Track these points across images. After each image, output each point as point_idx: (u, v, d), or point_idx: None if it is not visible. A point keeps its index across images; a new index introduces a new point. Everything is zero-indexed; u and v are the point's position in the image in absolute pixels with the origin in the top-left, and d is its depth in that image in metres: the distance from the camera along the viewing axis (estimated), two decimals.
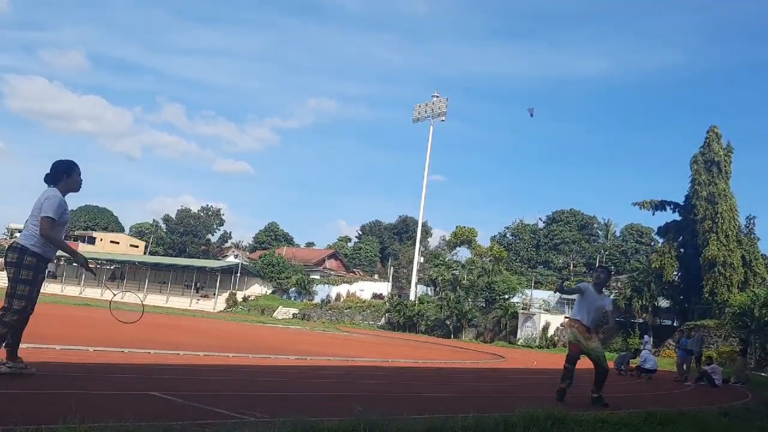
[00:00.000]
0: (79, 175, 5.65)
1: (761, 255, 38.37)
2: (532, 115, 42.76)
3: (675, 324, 36.74)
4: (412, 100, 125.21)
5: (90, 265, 6.11)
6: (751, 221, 38.67)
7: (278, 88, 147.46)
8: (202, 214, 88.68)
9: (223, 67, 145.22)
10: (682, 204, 39.19)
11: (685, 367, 18.20)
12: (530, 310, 44.17)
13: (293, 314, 52.07)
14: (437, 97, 58.25)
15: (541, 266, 77.29)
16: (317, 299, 56.81)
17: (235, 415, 4.70)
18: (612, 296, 41.26)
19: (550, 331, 39.43)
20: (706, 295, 35.21)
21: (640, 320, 37.56)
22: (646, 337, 21.45)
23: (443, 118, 57.28)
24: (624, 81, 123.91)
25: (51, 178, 5.56)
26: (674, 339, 20.61)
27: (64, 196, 5.57)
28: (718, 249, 35.13)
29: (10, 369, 5.47)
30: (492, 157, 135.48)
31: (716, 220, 35.83)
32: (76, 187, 5.67)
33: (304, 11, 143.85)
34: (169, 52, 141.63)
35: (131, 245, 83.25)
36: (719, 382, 16.00)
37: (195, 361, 9.63)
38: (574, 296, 8.52)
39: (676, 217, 39.65)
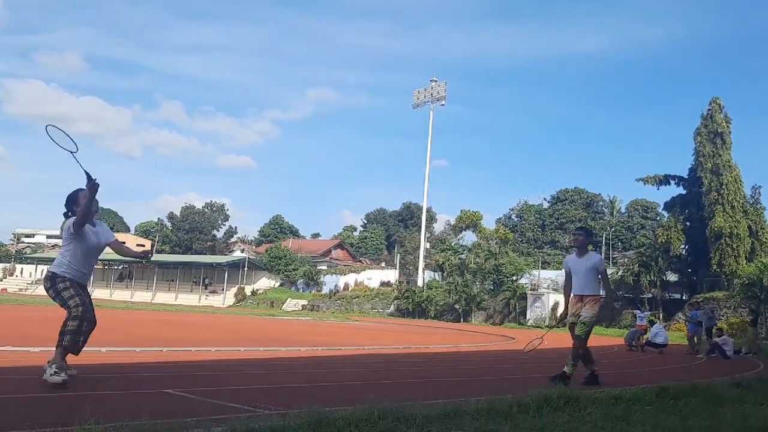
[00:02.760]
0: (84, 197, 5.57)
1: None
2: None
3: (684, 297, 36.75)
4: (411, 86, 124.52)
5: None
6: (757, 191, 38.56)
7: (276, 80, 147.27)
8: (206, 210, 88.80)
9: (219, 62, 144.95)
10: (686, 177, 39.07)
11: (696, 339, 18.20)
12: (538, 290, 44.19)
13: (302, 306, 52.25)
14: (436, 81, 58.03)
15: (548, 246, 77.22)
16: (325, 290, 56.97)
17: (250, 409, 4.72)
18: (620, 273, 41.29)
19: (559, 311, 39.39)
20: (714, 267, 35.17)
21: (649, 295, 37.55)
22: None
23: (443, 102, 57.09)
24: (623, 56, 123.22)
25: (67, 213, 5.83)
26: (684, 312, 20.61)
27: (86, 221, 5.65)
28: (724, 220, 35.04)
29: (72, 375, 5.49)
30: (493, 139, 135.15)
31: (721, 191, 35.70)
32: (88, 206, 5.54)
33: (298, 2, 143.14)
34: (165, 50, 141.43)
35: (138, 245, 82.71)
36: (731, 353, 16.00)
37: (207, 357, 9.66)
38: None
39: (681, 190, 39.58)
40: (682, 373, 10.92)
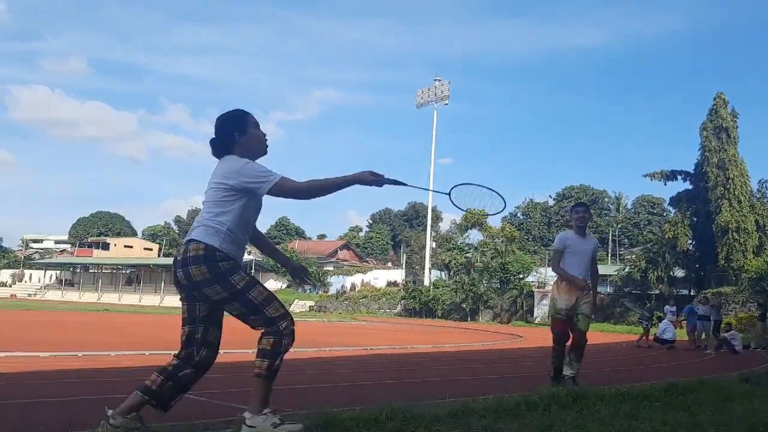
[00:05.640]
0: (257, 127, 3.54)
1: None
2: None
3: (692, 293, 36.63)
4: (414, 84, 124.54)
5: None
6: (764, 185, 38.51)
7: (281, 82, 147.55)
8: None
9: (224, 64, 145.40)
10: (692, 172, 38.95)
11: (704, 335, 18.14)
12: (545, 288, 44.12)
13: (309, 307, 52.35)
14: (439, 80, 58.02)
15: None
16: (332, 290, 57.05)
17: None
18: (627, 269, 41.20)
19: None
20: (722, 262, 35.07)
21: (657, 291, 37.45)
22: (667, 307, 21.35)
23: (446, 101, 57.12)
24: (627, 50, 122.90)
25: (220, 146, 3.42)
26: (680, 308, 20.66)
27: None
28: (731, 215, 34.93)
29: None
30: (498, 136, 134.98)
31: (728, 186, 35.60)
32: (258, 146, 3.52)
33: (299, 2, 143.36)
34: (169, 53, 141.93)
35: (145, 248, 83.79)
36: (739, 348, 15.96)
37: (217, 359, 9.69)
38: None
39: (688, 186, 39.43)
40: (691, 368, 10.90)
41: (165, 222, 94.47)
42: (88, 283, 66.67)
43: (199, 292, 3.20)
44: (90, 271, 70.38)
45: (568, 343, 6.65)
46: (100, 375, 7.32)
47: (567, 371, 6.54)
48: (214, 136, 3.43)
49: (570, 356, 6.59)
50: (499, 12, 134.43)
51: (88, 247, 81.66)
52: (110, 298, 60.20)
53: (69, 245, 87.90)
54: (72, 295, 61.88)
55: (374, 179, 3.38)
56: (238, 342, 13.60)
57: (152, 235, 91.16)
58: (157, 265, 65.40)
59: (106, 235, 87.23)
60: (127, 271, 69.34)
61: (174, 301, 57.74)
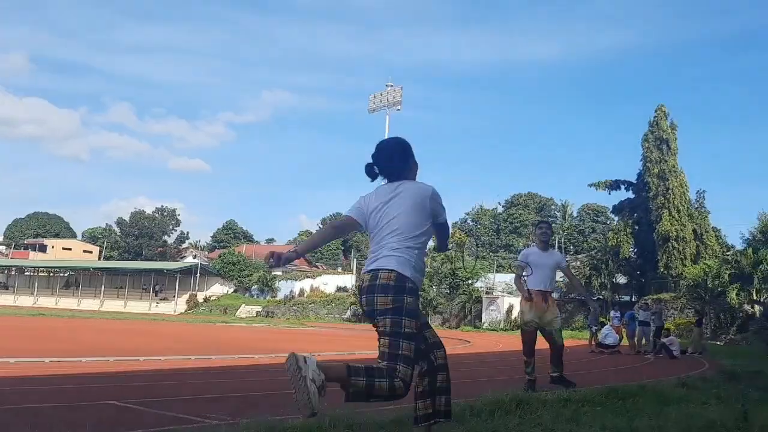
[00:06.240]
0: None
1: (712, 228, 39.71)
2: None
3: (633, 299, 37.73)
4: (368, 90, 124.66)
5: None
6: (701, 195, 40.03)
7: (230, 83, 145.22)
8: (156, 215, 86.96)
9: (171, 64, 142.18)
10: (635, 182, 40.17)
11: (644, 341, 18.65)
12: (493, 293, 44.75)
13: (257, 312, 51.63)
14: (391, 86, 58.14)
15: (503, 250, 78.31)
16: (280, 295, 56.43)
17: (198, 419, 4.61)
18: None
19: (514, 314, 40.01)
20: (662, 270, 36.26)
21: (599, 297, 38.43)
22: (612, 312, 21.91)
23: (399, 107, 57.22)
24: (575, 63, 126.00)
25: (396, 168, 3.39)
26: (622, 313, 21.22)
27: None
28: (670, 224, 36.18)
29: None
30: (449, 144, 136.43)
31: (668, 195, 36.87)
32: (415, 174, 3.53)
33: (252, 4, 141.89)
34: (114, 51, 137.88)
35: (85, 251, 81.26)
36: (677, 353, 16.47)
37: (156, 366, 9.43)
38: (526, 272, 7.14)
39: (630, 195, 40.65)
40: (631, 373, 11.18)
41: (106, 224, 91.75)
42: (24, 286, 64.19)
43: (375, 320, 3.24)
44: (26, 273, 67.72)
45: (544, 352, 7.18)
46: (30, 383, 7.00)
47: (553, 371, 7.20)
48: (388, 160, 3.39)
49: (552, 363, 7.22)
50: (454, 21, 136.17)
51: (24, 249, 78.65)
52: (47, 302, 58.08)
53: (3, 247, 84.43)
54: (6, 299, 59.43)
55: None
56: (180, 349, 13.25)
57: (92, 237, 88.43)
58: (97, 269, 63.47)
59: (43, 237, 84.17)
60: (65, 274, 67.00)
61: (114, 305, 56.18)
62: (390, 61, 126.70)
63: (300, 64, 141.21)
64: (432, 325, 3.55)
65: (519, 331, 7.38)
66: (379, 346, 3.17)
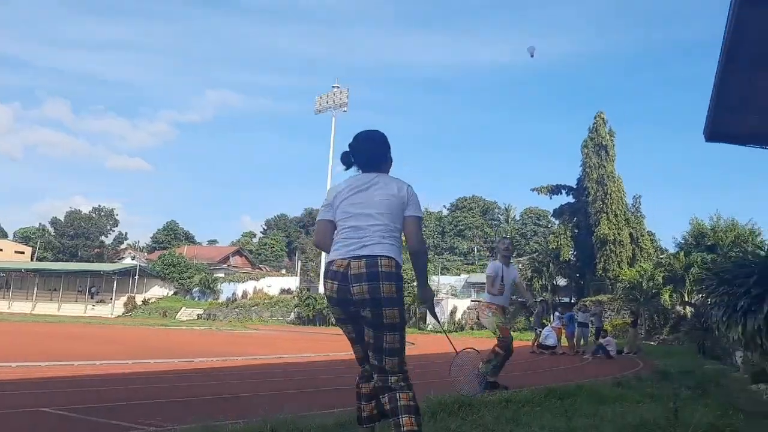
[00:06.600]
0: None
1: (647, 231, 41.20)
2: (532, 55, 41.93)
3: (573, 301, 38.77)
4: (316, 91, 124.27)
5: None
6: (637, 200, 41.49)
7: (174, 81, 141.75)
8: (93, 215, 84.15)
9: (110, 60, 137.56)
10: (575, 187, 41.27)
11: (582, 341, 19.18)
12: (438, 295, 45.16)
13: (198, 315, 50.59)
14: (338, 87, 58.09)
15: (447, 252, 79.21)
16: (222, 298, 55.47)
17: (134, 426, 4.47)
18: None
19: (458, 315, 40.56)
20: (600, 272, 37.41)
21: (540, 299, 39.31)
22: (557, 313, 22.44)
23: (345, 108, 57.22)
24: (521, 68, 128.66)
25: (375, 159, 3.41)
26: (560, 314, 21.77)
27: None
28: (608, 228, 37.35)
29: None
30: (396, 146, 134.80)
31: (606, 200, 38.06)
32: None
33: (198, 1, 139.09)
34: (50, 45, 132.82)
35: (16, 251, 77.79)
36: (614, 353, 17.02)
37: (91, 372, 9.11)
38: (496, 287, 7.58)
39: (570, 199, 41.72)
40: (570, 373, 11.46)
41: (40, 224, 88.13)
42: None
43: (374, 310, 3.05)
44: None
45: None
46: None
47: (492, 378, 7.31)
48: (366, 150, 3.39)
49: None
50: (402, 24, 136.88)
51: None
52: None
53: None
54: None
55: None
56: (116, 353, 12.87)
57: (25, 237, 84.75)
58: (30, 270, 60.95)
59: None
60: None
61: (48, 308, 54.04)
62: (337, 63, 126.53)
63: (246, 64, 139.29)
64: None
65: (462, 332, 7.70)
66: (382, 340, 3.06)
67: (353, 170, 3.39)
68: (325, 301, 3.19)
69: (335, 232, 3.29)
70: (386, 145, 3.45)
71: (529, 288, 39.34)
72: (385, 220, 3.17)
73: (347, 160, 3.39)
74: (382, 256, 3.07)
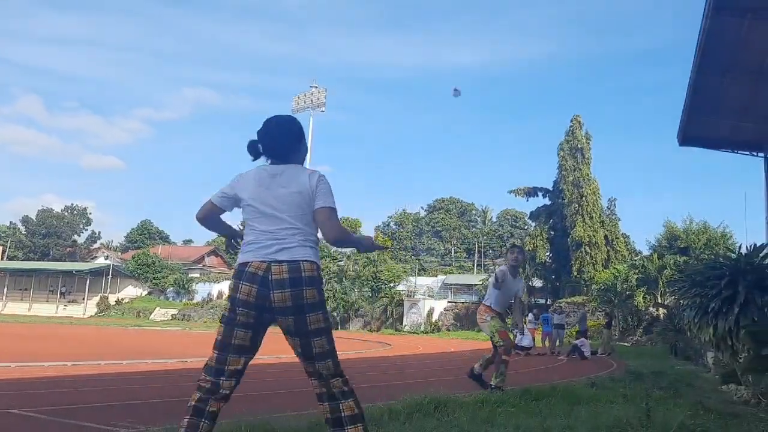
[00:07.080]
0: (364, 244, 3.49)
1: (621, 234, 41.77)
2: (456, 96, 42.36)
3: (548, 302, 39.13)
4: (294, 90, 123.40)
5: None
6: (612, 203, 42.07)
7: (149, 78, 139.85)
8: (66, 213, 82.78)
9: (84, 56, 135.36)
10: (551, 189, 41.66)
11: (557, 343, 19.37)
12: (415, 296, 45.26)
13: (172, 315, 50.05)
14: (315, 87, 57.88)
15: (424, 253, 79.42)
16: (198, 298, 54.97)
17: (105, 428, 4.40)
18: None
19: (435, 316, 40.67)
20: (575, 274, 37.82)
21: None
22: (531, 315, 22.64)
23: (323, 108, 57.02)
24: (499, 71, 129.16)
25: (283, 148, 3.15)
26: (535, 315, 22.01)
27: None
28: (583, 230, 37.78)
29: None
30: (373, 147, 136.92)
31: (581, 203, 38.50)
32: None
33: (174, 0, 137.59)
34: (23, 41, 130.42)
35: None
36: (588, 354, 17.20)
37: (62, 373, 8.95)
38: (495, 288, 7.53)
39: (546, 202, 42.11)
40: (545, 374, 11.55)
41: (11, 222, 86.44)
42: None
43: (297, 317, 2.91)
44: None
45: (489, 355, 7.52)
46: None
47: (479, 371, 7.54)
48: (275, 138, 3.10)
49: (483, 364, 7.57)
50: (380, 25, 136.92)
51: None
52: None
53: None
54: None
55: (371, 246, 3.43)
56: (88, 354, 12.68)
57: None
58: (0, 269, 59.82)
59: None
60: None
61: (18, 308, 53.04)
62: (315, 63, 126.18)
63: (224, 62, 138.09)
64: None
65: (439, 333, 7.69)
66: (310, 346, 2.95)
67: (262, 160, 3.13)
68: (229, 303, 2.92)
69: (244, 231, 3.15)
70: (299, 133, 3.16)
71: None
72: (299, 223, 2.99)
73: (254, 149, 3.09)
74: (305, 260, 2.93)
